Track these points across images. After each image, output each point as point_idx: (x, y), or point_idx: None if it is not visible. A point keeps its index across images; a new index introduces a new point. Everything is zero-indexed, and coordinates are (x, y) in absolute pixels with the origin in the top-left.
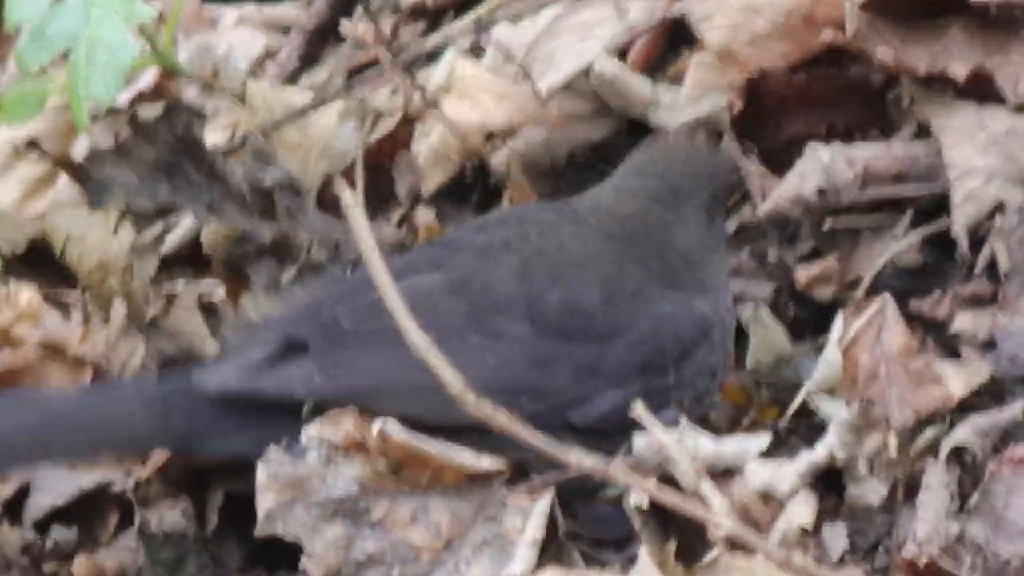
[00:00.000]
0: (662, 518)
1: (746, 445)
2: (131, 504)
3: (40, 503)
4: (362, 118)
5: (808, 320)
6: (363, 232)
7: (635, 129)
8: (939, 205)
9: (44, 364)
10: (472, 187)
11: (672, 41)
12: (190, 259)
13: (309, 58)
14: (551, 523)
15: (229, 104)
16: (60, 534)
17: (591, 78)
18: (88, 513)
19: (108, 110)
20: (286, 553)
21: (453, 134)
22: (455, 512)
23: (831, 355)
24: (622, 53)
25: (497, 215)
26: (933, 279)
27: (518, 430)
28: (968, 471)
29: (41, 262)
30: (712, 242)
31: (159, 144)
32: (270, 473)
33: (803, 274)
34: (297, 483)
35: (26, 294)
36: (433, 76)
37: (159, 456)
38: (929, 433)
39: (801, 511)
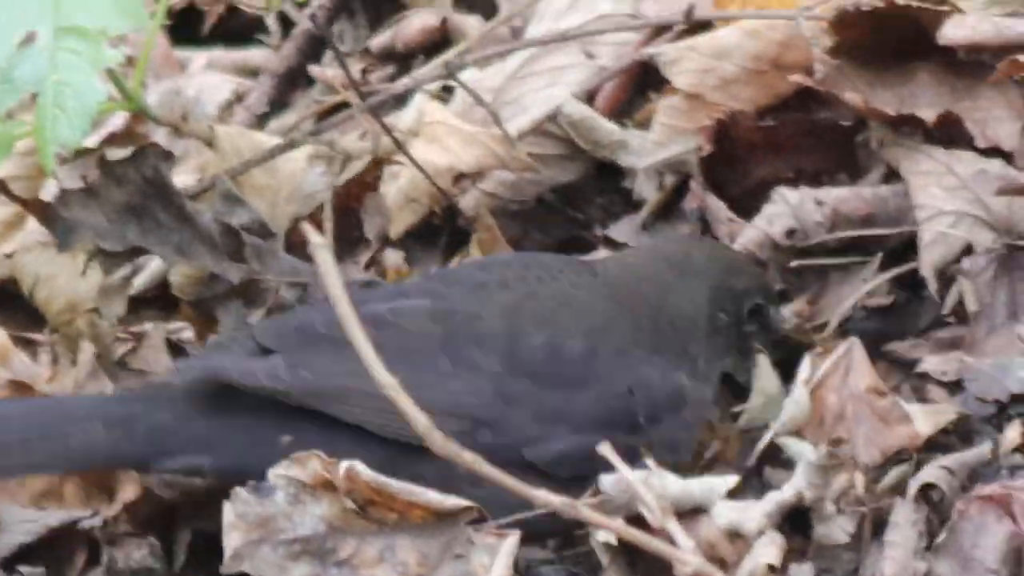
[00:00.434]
0: (629, 557)
1: (713, 485)
2: (98, 542)
3: (7, 541)
4: (331, 161)
5: (778, 362)
6: (330, 274)
7: (604, 172)
8: (908, 247)
9: None
10: (441, 229)
11: (640, 85)
12: (158, 300)
13: (278, 102)
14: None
15: (198, 147)
16: (28, 572)
17: (560, 122)
18: (55, 551)
19: (77, 152)
20: None
21: (422, 177)
22: (422, 551)
23: (798, 396)
24: (590, 97)
25: (504, 256)
26: (902, 320)
27: (486, 469)
28: (936, 510)
29: (9, 303)
30: (708, 326)
31: (128, 186)
32: (237, 512)
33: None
34: (264, 522)
35: None
36: (402, 119)
37: (127, 494)
38: (896, 472)
39: (768, 550)
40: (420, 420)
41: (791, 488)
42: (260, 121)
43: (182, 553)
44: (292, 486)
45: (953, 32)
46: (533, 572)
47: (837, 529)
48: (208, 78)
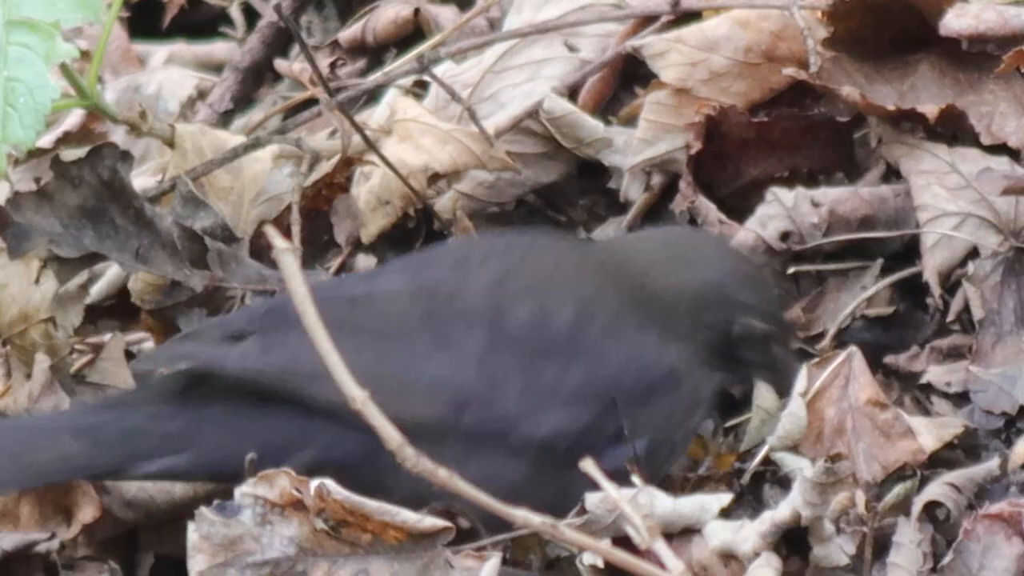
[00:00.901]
0: None
1: (705, 503)
2: (56, 566)
3: None
4: (298, 161)
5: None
6: (295, 280)
7: (587, 171)
8: (909, 251)
9: None
10: (415, 233)
11: (626, 79)
12: (117, 309)
13: (243, 98)
14: None
15: (158, 147)
16: None
17: (540, 118)
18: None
19: (30, 153)
20: None
21: (395, 177)
22: (397, 573)
23: (795, 409)
24: (573, 92)
25: (487, 237)
26: (904, 329)
27: (461, 487)
28: (941, 529)
29: None
30: (703, 335)
31: (84, 189)
32: (201, 533)
33: None
34: (230, 544)
35: None
36: (373, 117)
37: (85, 515)
38: (899, 489)
39: (764, 573)
40: (392, 435)
41: (787, 506)
42: (224, 119)
43: None
44: (260, 505)
45: (956, 22)
46: None
47: (836, 550)
48: (169, 73)
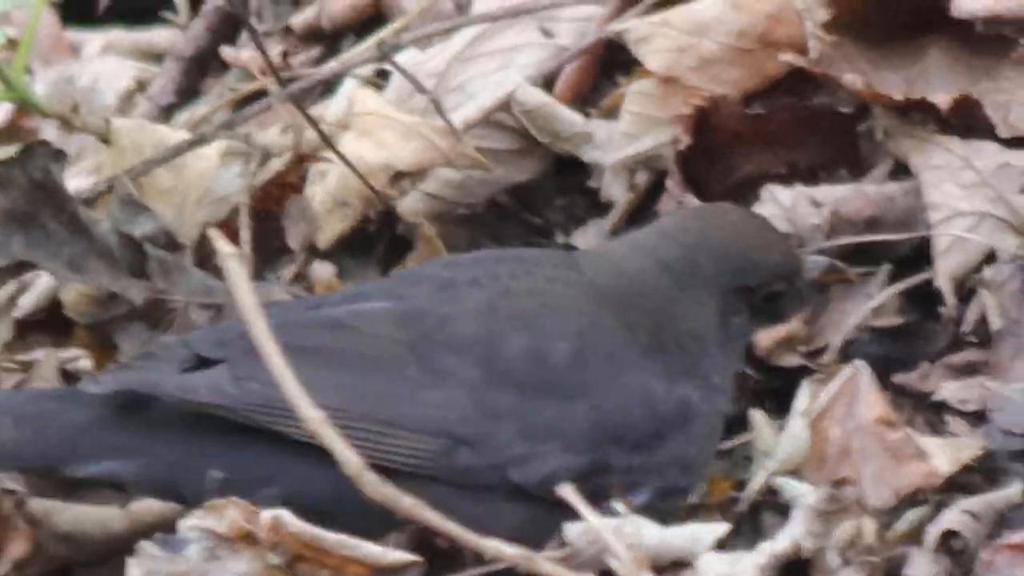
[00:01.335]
0: None
1: (698, 534)
2: None
3: None
4: (247, 159)
5: (771, 391)
6: (242, 290)
7: (565, 169)
8: (920, 254)
9: None
10: (376, 238)
11: (607, 67)
12: (49, 323)
13: (186, 90)
14: None
15: (94, 144)
16: None
17: (513, 110)
18: None
19: None
20: None
21: (353, 176)
22: None
23: (796, 429)
24: (549, 82)
25: (471, 253)
26: (914, 342)
27: (428, 517)
28: (958, 561)
29: None
30: (721, 336)
31: (12, 190)
32: (143, 571)
33: (765, 338)
34: None
35: None
36: (330, 110)
37: (15, 550)
38: (911, 516)
39: None
40: (351, 460)
41: (787, 536)
42: (165, 113)
43: None
44: (207, 539)
45: (970, 3)
46: None
47: None
48: (105, 64)
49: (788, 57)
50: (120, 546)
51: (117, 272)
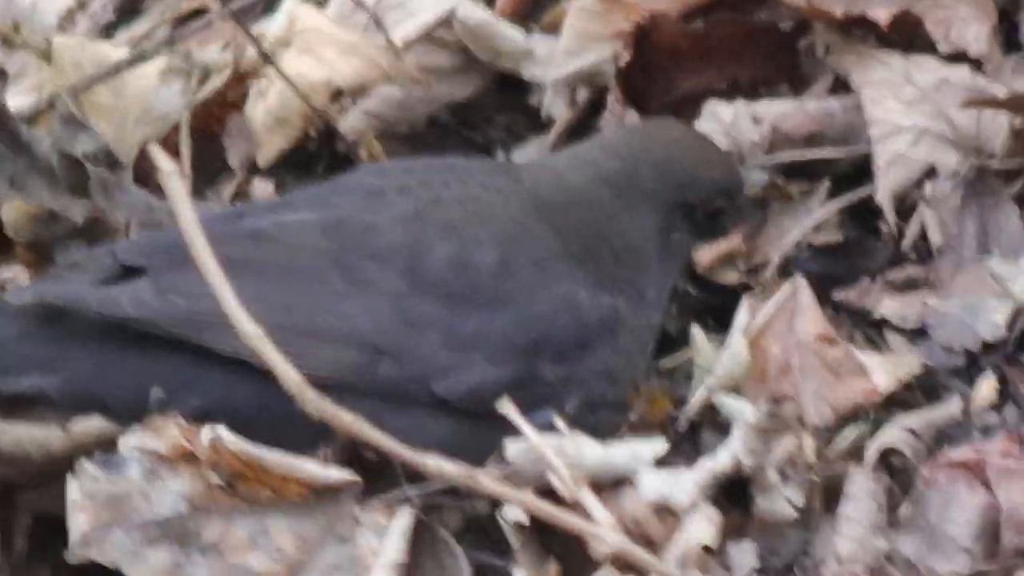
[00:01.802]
0: (543, 536)
1: (638, 452)
2: None
3: None
4: (188, 76)
5: (712, 309)
6: (182, 205)
7: (506, 86)
8: (860, 171)
9: None
10: (318, 156)
11: None
12: None
13: (127, 8)
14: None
15: (34, 63)
16: None
17: (454, 27)
18: None
19: None
20: None
21: (294, 94)
22: (300, 532)
23: (736, 346)
24: None
25: (406, 161)
26: (855, 258)
27: (368, 434)
28: (898, 478)
29: None
30: (659, 251)
31: None
32: (84, 490)
33: (706, 254)
34: (115, 502)
35: None
36: (270, 27)
37: None
38: (851, 433)
39: (702, 527)
40: (291, 377)
41: (727, 454)
42: (106, 31)
43: (21, 539)
44: (147, 459)
45: None
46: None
47: (782, 502)
48: None
49: None
50: (62, 466)
51: (58, 190)
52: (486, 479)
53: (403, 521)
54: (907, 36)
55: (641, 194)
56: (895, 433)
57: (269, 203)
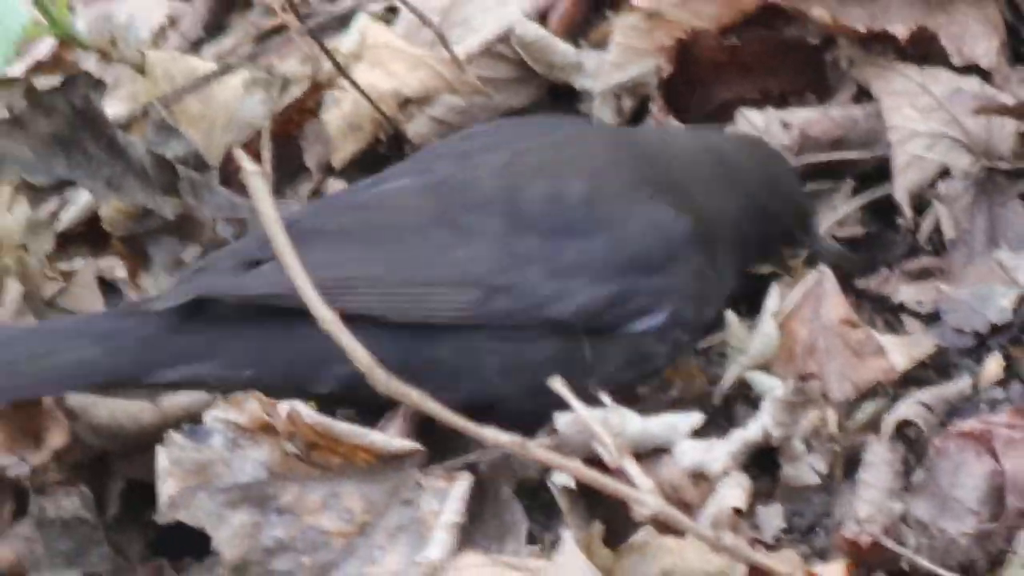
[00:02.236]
0: (588, 500)
1: (676, 423)
2: (27, 491)
3: None
4: (269, 87)
5: (743, 295)
6: (264, 202)
7: (558, 95)
8: (880, 171)
9: None
10: (387, 158)
11: (596, 3)
12: (88, 236)
13: (214, 26)
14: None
15: (130, 74)
16: None
17: (511, 43)
18: None
19: (2, 81)
20: (191, 541)
21: (366, 102)
22: (368, 496)
23: (766, 328)
24: (543, 16)
25: (490, 124)
26: (875, 250)
27: (431, 407)
28: (912, 448)
29: None
30: (733, 232)
31: (56, 116)
32: (172, 458)
33: None
34: (201, 468)
35: None
36: (344, 42)
37: (54, 441)
38: (870, 408)
39: (733, 492)
40: (362, 356)
41: (757, 426)
42: (195, 46)
43: (114, 502)
44: (230, 430)
45: None
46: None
47: (806, 469)
48: (140, 1)
49: None
50: (151, 437)
51: (150, 190)
52: (537, 448)
53: (462, 485)
54: (923, 50)
55: (736, 179)
56: (910, 407)
57: (365, 182)
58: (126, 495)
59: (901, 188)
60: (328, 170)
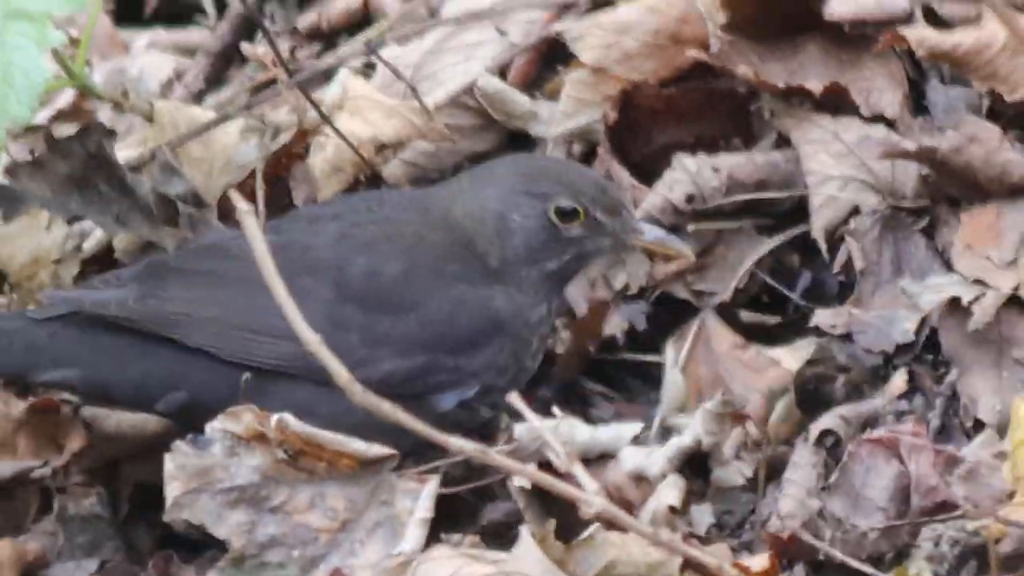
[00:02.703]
0: (543, 500)
1: (620, 432)
2: (50, 490)
3: None
4: (262, 133)
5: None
6: (256, 238)
7: (516, 141)
8: (799, 210)
9: None
10: None
11: (549, 60)
12: (104, 262)
13: (214, 79)
14: (441, 504)
15: (140, 121)
16: None
17: (475, 94)
18: (9, 499)
19: (27, 128)
20: (193, 537)
21: (347, 147)
22: (350, 497)
23: (672, 378)
24: (503, 71)
25: (351, 195)
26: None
27: (403, 418)
28: (832, 452)
29: None
30: (539, 263)
31: (73, 160)
32: (177, 463)
33: (661, 270)
34: (202, 473)
35: None
36: (328, 94)
37: (74, 445)
38: (780, 407)
39: (670, 492)
40: (340, 372)
41: (690, 434)
42: (197, 97)
43: (125, 503)
44: (228, 439)
45: (838, 7)
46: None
47: (734, 472)
48: (150, 57)
49: (693, 52)
50: (157, 445)
51: (155, 224)
52: (497, 455)
53: (431, 487)
54: (836, 103)
55: (488, 180)
56: (831, 419)
57: (236, 232)
58: (135, 496)
59: (817, 225)
60: None
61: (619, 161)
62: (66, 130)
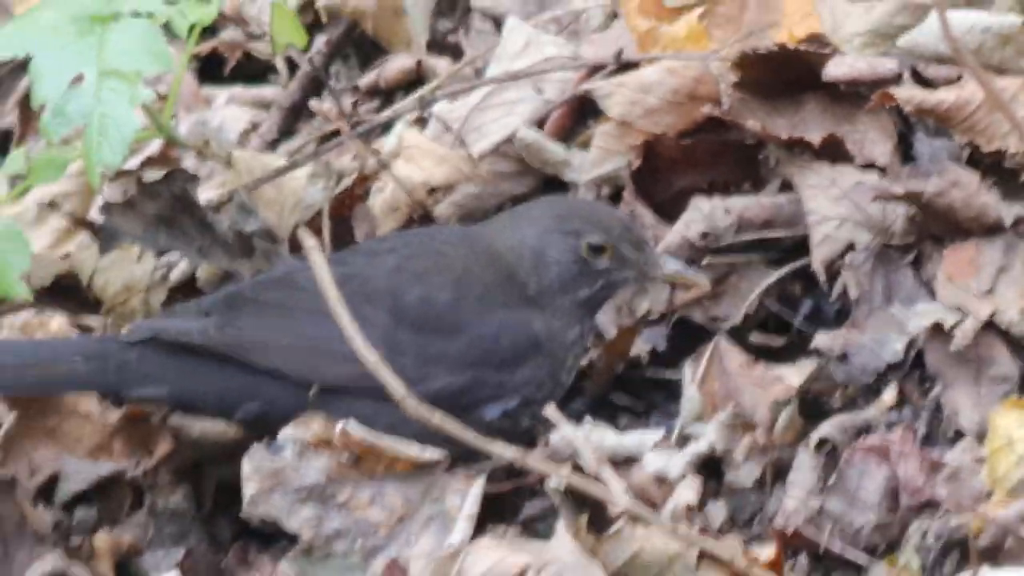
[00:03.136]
0: (576, 498)
1: (644, 438)
2: (142, 488)
3: (67, 488)
4: (327, 178)
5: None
6: (321, 270)
7: (551, 185)
8: (800, 247)
9: None
10: None
11: (581, 115)
12: (189, 289)
13: (286, 130)
14: (486, 501)
15: (220, 168)
16: (84, 513)
17: (515, 144)
18: (107, 496)
19: (119, 172)
20: (267, 530)
21: (402, 190)
22: (406, 495)
23: (689, 394)
24: (540, 124)
25: (405, 231)
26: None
27: (451, 428)
28: (829, 458)
29: (64, 294)
30: (572, 290)
31: (160, 201)
32: (253, 466)
33: (680, 297)
34: (275, 474)
35: (57, 319)
36: (386, 144)
37: (162, 449)
38: (783, 417)
39: (688, 492)
40: (397, 388)
41: (705, 441)
42: (271, 146)
43: (209, 498)
44: (298, 444)
45: (835, 69)
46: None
47: (745, 475)
48: (229, 111)
49: (708, 108)
50: (236, 449)
51: (233, 257)
52: (534, 460)
53: (478, 486)
54: (833, 152)
55: (526, 219)
56: (830, 429)
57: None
58: (217, 494)
59: (817, 259)
60: None
61: (642, 203)
62: (154, 175)
